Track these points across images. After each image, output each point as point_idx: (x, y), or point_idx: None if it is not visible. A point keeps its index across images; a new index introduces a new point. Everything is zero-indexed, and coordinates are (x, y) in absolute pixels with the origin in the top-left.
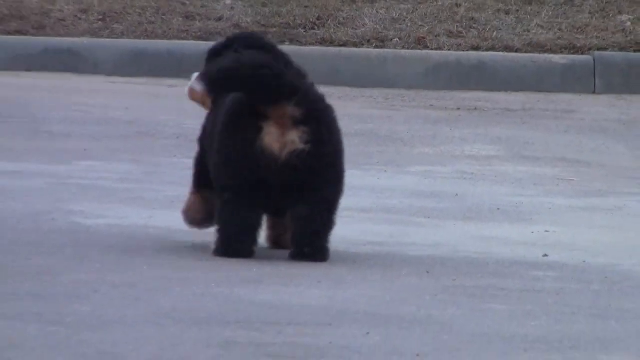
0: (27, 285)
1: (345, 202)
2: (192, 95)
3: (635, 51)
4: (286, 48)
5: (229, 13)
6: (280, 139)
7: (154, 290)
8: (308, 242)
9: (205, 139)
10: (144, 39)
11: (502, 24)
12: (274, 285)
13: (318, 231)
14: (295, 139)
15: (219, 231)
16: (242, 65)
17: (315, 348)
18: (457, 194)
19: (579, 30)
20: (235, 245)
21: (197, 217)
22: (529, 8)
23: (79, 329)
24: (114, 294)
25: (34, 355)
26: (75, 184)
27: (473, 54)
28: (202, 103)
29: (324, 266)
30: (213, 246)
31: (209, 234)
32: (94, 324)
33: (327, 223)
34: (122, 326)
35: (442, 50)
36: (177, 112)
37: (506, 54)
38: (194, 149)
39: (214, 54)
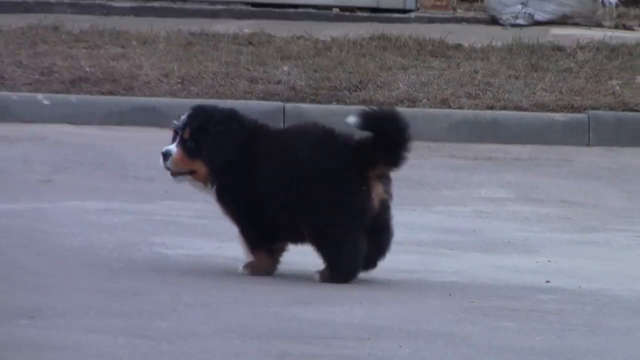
0: (116, 304)
1: None
2: None
3: (623, 110)
4: (333, 107)
5: (286, 78)
6: (377, 193)
7: (222, 309)
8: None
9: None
10: (215, 98)
11: (512, 87)
12: (321, 306)
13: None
14: (382, 191)
15: (346, 261)
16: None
17: (356, 358)
18: (474, 230)
19: (576, 92)
20: (356, 272)
21: (272, 270)
22: (535, 74)
23: (159, 342)
24: (189, 312)
25: None
26: (158, 220)
27: (488, 112)
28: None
29: (364, 289)
30: (328, 273)
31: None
32: (171, 338)
33: None
34: (195, 339)
35: (463, 109)
36: None
37: (516, 112)
38: None
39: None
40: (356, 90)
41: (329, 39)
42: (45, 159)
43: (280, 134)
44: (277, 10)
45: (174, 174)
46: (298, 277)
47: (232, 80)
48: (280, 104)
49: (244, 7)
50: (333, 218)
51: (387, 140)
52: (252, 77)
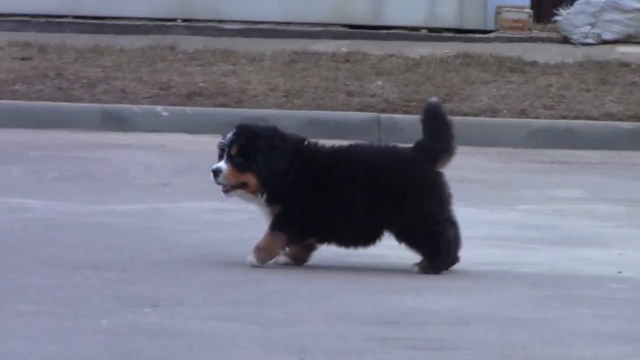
0: (231, 294)
1: (468, 232)
2: None
3: None
4: None
5: (380, 91)
6: (447, 185)
7: (327, 297)
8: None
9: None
10: (317, 110)
11: (584, 99)
12: (416, 294)
13: None
14: (448, 184)
15: (441, 252)
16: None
17: (448, 342)
18: (552, 226)
19: None
20: (448, 261)
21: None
22: (604, 87)
23: (270, 327)
24: (296, 300)
25: (238, 347)
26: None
27: (562, 121)
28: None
29: (453, 280)
30: (426, 263)
31: (359, 257)
32: (281, 324)
33: None
34: (303, 325)
35: (539, 118)
36: None
37: (587, 121)
38: None
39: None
40: (443, 103)
41: (418, 57)
42: (164, 164)
43: (331, 149)
44: (371, 31)
45: (226, 189)
46: (393, 270)
47: (331, 94)
48: (375, 114)
49: (341, 29)
50: (424, 215)
51: (436, 131)
52: (350, 91)
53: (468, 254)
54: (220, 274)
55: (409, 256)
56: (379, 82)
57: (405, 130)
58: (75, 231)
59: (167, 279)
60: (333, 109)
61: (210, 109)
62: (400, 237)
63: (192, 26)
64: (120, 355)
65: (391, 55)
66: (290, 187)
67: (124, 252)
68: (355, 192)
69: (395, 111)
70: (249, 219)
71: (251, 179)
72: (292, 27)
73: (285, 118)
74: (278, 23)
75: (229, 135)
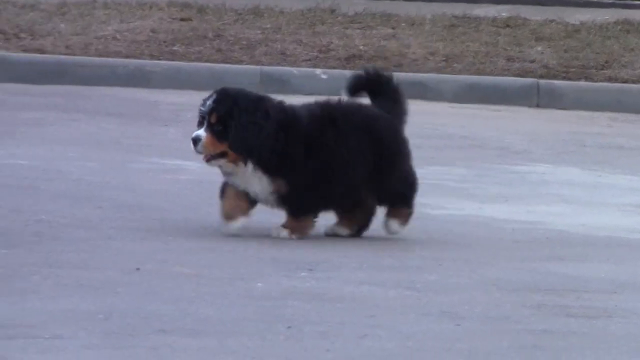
0: (388, 259)
1: (625, 200)
2: None
3: None
4: (582, 84)
5: (539, 57)
6: None
7: (483, 264)
8: None
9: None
10: (476, 75)
11: None
12: (572, 262)
13: None
14: None
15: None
16: None
17: (604, 310)
18: None
19: None
20: None
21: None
22: None
23: (426, 293)
24: (452, 266)
25: (393, 312)
26: (425, 183)
27: None
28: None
29: (610, 248)
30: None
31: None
32: (437, 289)
33: None
34: (458, 291)
35: None
36: (499, 130)
37: None
38: (515, 159)
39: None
40: (602, 69)
41: (578, 23)
42: None
43: (309, 111)
44: None
45: (207, 158)
46: (550, 237)
47: (490, 59)
48: (534, 80)
49: None
50: (405, 161)
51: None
52: (509, 56)
53: (625, 222)
54: (377, 240)
55: (566, 223)
56: (539, 48)
57: (565, 96)
58: None
59: (323, 243)
60: (492, 74)
61: None
62: (387, 190)
63: None
64: (275, 319)
65: (551, 21)
66: (281, 158)
67: (281, 215)
68: (346, 157)
69: (554, 77)
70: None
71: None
72: None
73: (444, 82)
74: None
75: (209, 102)
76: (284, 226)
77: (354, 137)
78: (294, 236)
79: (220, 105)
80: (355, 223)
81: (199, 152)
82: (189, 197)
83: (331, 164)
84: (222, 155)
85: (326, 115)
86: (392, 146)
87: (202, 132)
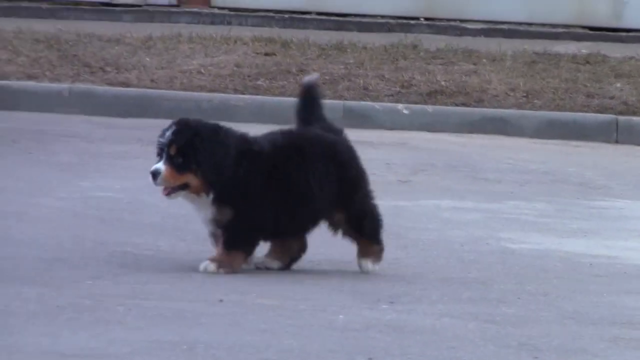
0: (466, 292)
1: None
2: None
3: None
4: None
5: (618, 93)
6: None
7: (561, 297)
8: None
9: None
10: (556, 111)
11: None
12: None
13: None
14: None
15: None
16: None
17: None
18: None
19: None
20: None
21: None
22: None
23: (505, 326)
24: (531, 300)
25: (472, 344)
26: (504, 218)
27: None
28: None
29: None
30: (376, 247)
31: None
32: (516, 322)
33: None
34: (537, 324)
35: None
36: (579, 165)
37: None
38: (594, 194)
39: None
40: None
41: None
42: (404, 161)
43: (272, 142)
44: (611, 33)
45: (168, 191)
46: (626, 272)
47: (570, 95)
48: (613, 117)
49: (581, 30)
50: (369, 196)
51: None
52: (589, 93)
53: None
54: (457, 271)
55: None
56: (618, 84)
57: None
58: None
59: (404, 276)
60: (572, 110)
61: (450, 107)
62: (350, 221)
63: (435, 25)
64: (356, 350)
65: (630, 58)
66: (240, 187)
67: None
68: (312, 185)
69: (633, 113)
70: (486, 217)
71: (193, 180)
72: (533, 28)
73: (524, 118)
74: (520, 24)
75: (168, 133)
76: (212, 259)
77: (319, 164)
78: (221, 270)
79: (179, 136)
80: (288, 255)
81: (159, 186)
82: None
83: (293, 192)
84: (183, 187)
85: (290, 144)
86: (354, 169)
87: (160, 165)
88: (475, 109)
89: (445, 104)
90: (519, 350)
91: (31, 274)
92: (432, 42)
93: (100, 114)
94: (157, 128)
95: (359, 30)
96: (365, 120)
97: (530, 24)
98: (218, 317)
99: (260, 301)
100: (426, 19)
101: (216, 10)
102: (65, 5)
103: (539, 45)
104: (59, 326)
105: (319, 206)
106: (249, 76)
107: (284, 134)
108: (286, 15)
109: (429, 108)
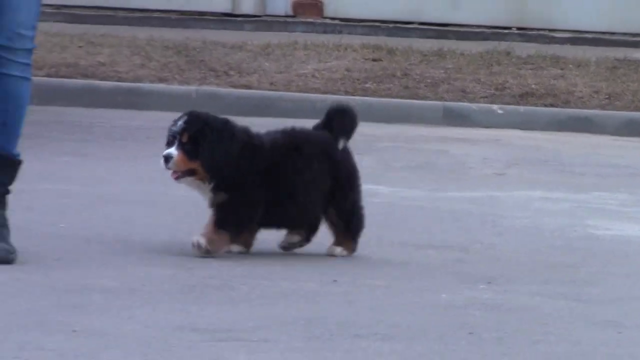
0: (556, 274)
1: None
2: None
3: None
4: None
5: None
6: None
7: None
8: None
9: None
10: (635, 112)
11: None
12: None
13: None
14: None
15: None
16: None
17: None
18: None
19: None
20: None
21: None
22: None
23: (591, 304)
24: (616, 281)
25: (562, 321)
26: (590, 207)
27: None
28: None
29: None
30: (351, 243)
31: None
32: (601, 301)
33: None
34: (620, 303)
35: None
36: None
37: None
38: None
39: None
40: None
41: None
42: (499, 157)
43: (273, 139)
44: None
45: (177, 175)
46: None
47: None
48: None
49: None
50: (358, 194)
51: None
52: None
53: None
54: (547, 255)
55: None
56: None
57: None
58: (418, 214)
59: (499, 259)
60: None
61: (540, 108)
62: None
63: (525, 34)
64: (457, 326)
65: None
66: (237, 176)
67: (462, 234)
68: (305, 181)
69: None
70: (573, 207)
71: (200, 167)
72: (615, 37)
73: (607, 117)
74: (603, 33)
75: (180, 122)
76: (202, 234)
77: (316, 161)
78: (209, 247)
79: (191, 125)
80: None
81: (170, 169)
82: (380, 217)
83: (286, 186)
84: (191, 172)
85: (290, 142)
86: (348, 168)
87: (173, 150)
88: (562, 109)
89: (536, 105)
90: (605, 327)
91: (163, 254)
92: (523, 49)
93: (224, 113)
94: (277, 126)
95: (457, 39)
96: (463, 120)
97: (612, 33)
98: (332, 296)
99: (371, 282)
100: (518, 28)
101: (328, 21)
102: (192, 15)
103: (620, 52)
104: (190, 303)
105: (312, 201)
106: (358, 79)
107: (284, 132)
108: (391, 25)
109: (521, 108)
